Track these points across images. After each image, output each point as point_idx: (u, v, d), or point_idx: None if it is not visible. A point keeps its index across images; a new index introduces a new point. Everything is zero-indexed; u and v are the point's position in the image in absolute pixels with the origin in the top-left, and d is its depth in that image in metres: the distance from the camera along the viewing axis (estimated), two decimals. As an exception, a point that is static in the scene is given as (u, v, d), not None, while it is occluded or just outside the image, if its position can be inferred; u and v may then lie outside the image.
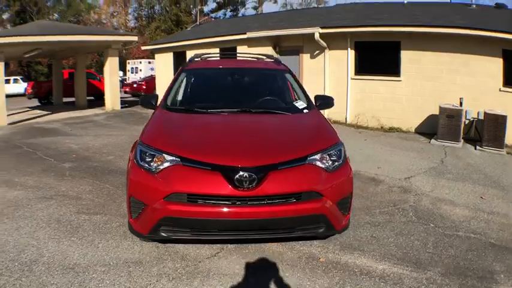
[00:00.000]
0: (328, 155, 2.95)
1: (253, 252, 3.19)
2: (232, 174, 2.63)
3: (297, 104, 3.85)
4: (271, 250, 3.23)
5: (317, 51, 10.25)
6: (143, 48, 18.65)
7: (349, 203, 3.04)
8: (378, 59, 9.52)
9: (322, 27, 9.72)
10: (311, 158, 2.83)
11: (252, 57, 5.03)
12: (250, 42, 11.13)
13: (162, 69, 15.64)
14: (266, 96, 4.02)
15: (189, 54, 12.54)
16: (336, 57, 10.02)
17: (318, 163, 2.83)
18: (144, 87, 20.44)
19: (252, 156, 2.78)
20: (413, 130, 9.06)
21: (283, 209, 2.66)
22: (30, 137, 8.38)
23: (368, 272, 2.89)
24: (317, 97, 4.13)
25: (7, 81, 26.39)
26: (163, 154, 2.80)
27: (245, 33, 10.97)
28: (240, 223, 2.70)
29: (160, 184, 2.69)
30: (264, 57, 5.12)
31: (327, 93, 9.65)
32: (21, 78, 26.61)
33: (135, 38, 14.88)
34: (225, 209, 2.63)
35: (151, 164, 2.80)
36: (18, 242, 3.29)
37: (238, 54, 7.07)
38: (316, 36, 9.64)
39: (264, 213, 2.65)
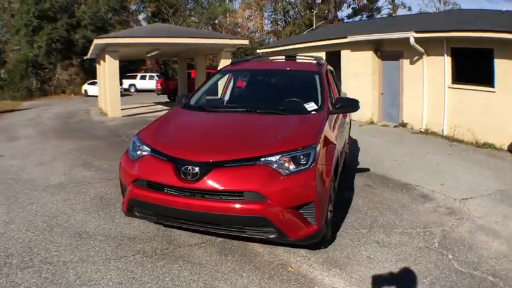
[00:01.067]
0: (291, 157, 2.73)
1: (234, 248, 3.21)
2: (179, 166, 2.73)
3: (307, 106, 3.63)
4: (251, 250, 3.18)
5: (416, 57, 9.33)
6: (258, 51, 18.92)
7: (313, 212, 2.72)
8: (474, 67, 8.16)
9: (417, 32, 8.86)
10: (266, 159, 2.69)
11: (300, 59, 4.97)
12: (353, 46, 10.83)
13: None
14: (286, 97, 3.92)
15: (299, 58, 12.89)
16: (433, 64, 8.98)
17: (274, 165, 2.68)
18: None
19: (203, 152, 2.84)
20: (505, 147, 7.47)
21: (222, 206, 2.63)
22: (134, 128, 9.52)
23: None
24: (339, 99, 3.90)
25: (143, 78, 31.32)
26: (144, 145, 3.06)
27: (346, 37, 10.74)
28: (188, 214, 2.74)
29: (132, 170, 2.97)
30: (312, 59, 4.99)
31: (425, 103, 9.05)
32: (157, 75, 30.90)
33: (246, 42, 15.81)
34: (173, 198, 2.74)
35: (134, 153, 3.10)
36: (58, 210, 4.00)
37: (297, 56, 6.95)
38: (412, 41, 8.85)
39: (206, 207, 2.65)
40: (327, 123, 3.44)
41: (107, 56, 12.72)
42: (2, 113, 16.54)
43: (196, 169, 2.67)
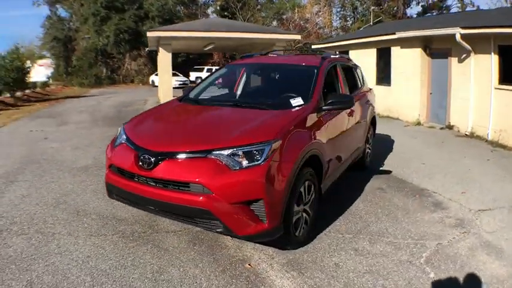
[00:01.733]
0: (244, 152, 2.61)
1: (205, 239, 3.21)
2: (140, 154, 2.80)
3: (293, 101, 3.41)
4: (220, 243, 3.16)
5: (463, 55, 8.30)
6: (313, 47, 18.43)
7: (263, 209, 2.57)
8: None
9: (463, 28, 7.84)
10: (217, 152, 2.61)
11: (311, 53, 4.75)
12: (402, 43, 10.03)
13: None
14: (281, 92, 3.80)
15: (351, 53, 12.45)
16: (480, 63, 7.95)
17: (224, 159, 2.59)
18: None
19: (162, 142, 2.88)
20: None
21: (172, 195, 2.63)
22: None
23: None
24: (330, 96, 3.59)
25: (209, 71, 31.91)
26: (124, 134, 3.19)
27: (394, 34, 10.00)
28: (147, 201, 2.79)
29: (109, 156, 3.13)
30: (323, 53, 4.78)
31: (471, 104, 8.12)
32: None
33: (298, 37, 15.58)
34: (134, 185, 2.82)
35: (117, 140, 3.22)
36: (71, 189, 4.38)
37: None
38: (457, 37, 7.90)
39: (159, 196, 2.69)
40: (310, 119, 3.24)
41: (160, 49, 13.31)
42: (65, 98, 18.08)
43: (152, 158, 2.72)
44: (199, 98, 4.07)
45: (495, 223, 3.67)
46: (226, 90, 4.79)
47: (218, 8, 35.45)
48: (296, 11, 37.07)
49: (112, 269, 2.73)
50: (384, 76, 11.19)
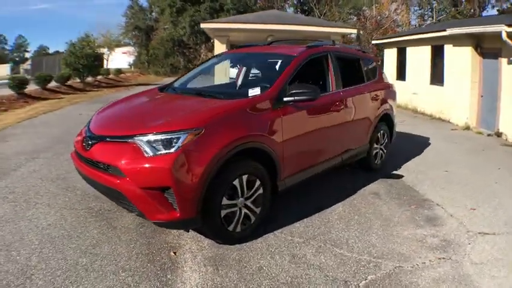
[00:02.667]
0: (162, 139, 2.52)
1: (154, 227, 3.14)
2: (85, 136, 2.95)
3: (251, 91, 3.17)
4: (167, 230, 3.08)
5: None
6: (373, 42, 17.33)
7: (172, 196, 2.47)
8: None
9: (508, 25, 6.65)
10: (137, 138, 2.56)
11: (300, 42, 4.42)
12: (454, 40, 8.86)
13: (389, 63, 14.15)
14: (252, 81, 3.71)
15: (408, 50, 11.73)
16: None
17: (142, 144, 2.52)
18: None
19: (103, 127, 2.94)
20: None
21: (99, 175, 2.70)
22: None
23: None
24: (291, 87, 3.24)
25: None
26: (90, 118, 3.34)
27: (445, 30, 8.86)
28: (89, 180, 2.88)
29: (75, 138, 3.27)
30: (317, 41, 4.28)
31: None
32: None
33: (353, 31, 14.67)
34: (82, 165, 2.93)
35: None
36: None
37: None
38: (503, 35, 6.73)
39: (93, 175, 2.77)
40: (260, 110, 3.00)
41: (215, 40, 13.44)
42: (136, 85, 18.66)
43: (90, 141, 2.82)
44: (177, 86, 3.99)
45: (490, 252, 2.90)
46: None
47: (295, 2, 34.19)
48: (373, 7, 34.51)
49: (60, 237, 2.89)
50: (437, 75, 9.93)
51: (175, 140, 2.54)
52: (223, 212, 2.75)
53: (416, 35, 10.98)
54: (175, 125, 2.62)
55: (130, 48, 36.06)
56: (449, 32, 8.40)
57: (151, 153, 2.50)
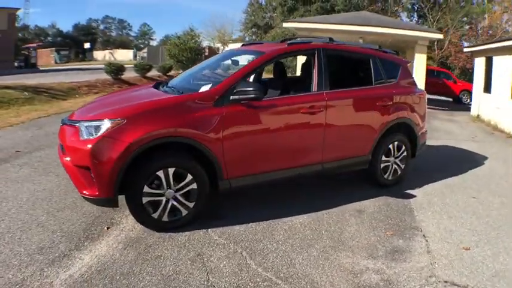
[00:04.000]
0: (95, 126, 2.76)
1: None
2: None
3: (203, 87, 3.13)
4: (122, 212, 3.18)
5: None
6: (464, 50, 15.46)
7: (92, 175, 2.63)
8: None
9: None
10: (80, 123, 2.83)
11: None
12: None
13: (477, 73, 12.27)
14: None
15: (494, 59, 10.05)
16: None
17: (82, 128, 2.78)
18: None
19: (76, 115, 3.17)
20: None
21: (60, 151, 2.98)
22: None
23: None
24: (239, 85, 3.04)
25: None
26: None
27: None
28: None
29: None
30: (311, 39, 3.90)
31: None
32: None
33: (440, 36, 12.89)
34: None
35: None
36: None
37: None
38: None
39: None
40: (198, 106, 2.90)
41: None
42: None
43: (61, 123, 3.14)
44: (171, 84, 3.87)
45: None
46: None
47: (409, 6, 31.49)
48: (485, 16, 31.11)
49: (42, 199, 3.37)
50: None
51: (100, 128, 2.69)
52: (144, 199, 2.76)
53: (501, 43, 9.11)
54: (104, 115, 2.78)
55: (245, 45, 37.46)
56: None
57: (83, 137, 2.71)
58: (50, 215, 3.09)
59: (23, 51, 25.43)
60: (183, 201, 2.92)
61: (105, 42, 60.34)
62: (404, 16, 31.66)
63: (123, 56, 43.05)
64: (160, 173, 2.79)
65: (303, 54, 3.56)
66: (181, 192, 2.91)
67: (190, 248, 2.72)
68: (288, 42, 3.63)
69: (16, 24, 28.06)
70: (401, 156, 4.18)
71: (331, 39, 3.85)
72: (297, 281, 2.38)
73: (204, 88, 3.09)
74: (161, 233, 2.89)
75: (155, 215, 2.86)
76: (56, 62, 40.00)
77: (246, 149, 3.10)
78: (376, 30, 11.96)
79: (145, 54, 35.49)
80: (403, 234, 3.09)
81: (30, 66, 23.59)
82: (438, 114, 11.51)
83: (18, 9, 26.15)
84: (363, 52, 4.03)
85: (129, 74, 14.83)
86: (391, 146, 4.06)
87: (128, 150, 2.64)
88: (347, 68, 3.78)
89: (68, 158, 2.80)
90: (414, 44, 12.25)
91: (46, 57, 40.55)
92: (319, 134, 3.47)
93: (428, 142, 6.88)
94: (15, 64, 22.66)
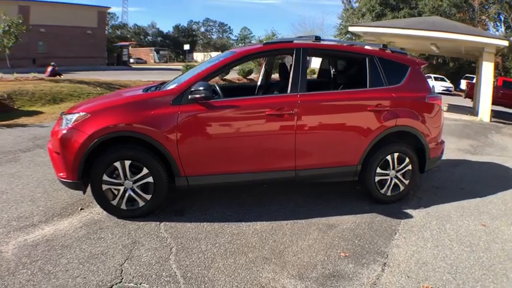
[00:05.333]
0: (66, 118, 3.08)
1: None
2: None
3: (169, 86, 3.27)
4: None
5: None
6: None
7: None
8: None
9: None
10: (65, 115, 3.15)
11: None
12: None
13: None
14: None
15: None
16: None
17: (63, 120, 3.09)
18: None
19: (75, 108, 3.37)
20: None
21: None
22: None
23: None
24: (195, 85, 3.05)
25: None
26: None
27: None
28: None
29: None
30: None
31: None
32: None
33: (505, 43, 10.68)
34: None
35: None
36: None
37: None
38: None
39: None
40: (156, 104, 3.00)
41: None
42: None
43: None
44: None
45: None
46: None
47: (495, 15, 28.19)
48: None
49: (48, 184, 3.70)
50: None
51: (71, 120, 3.02)
52: (104, 186, 3.00)
53: None
54: (78, 110, 3.11)
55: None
56: None
57: (60, 127, 3.08)
58: (45, 193, 3.59)
59: (115, 50, 27.62)
60: (140, 192, 3.08)
61: (205, 44, 62.63)
62: (490, 26, 28.64)
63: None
64: (118, 164, 3.00)
65: (282, 54, 3.35)
66: (138, 184, 3.05)
67: (131, 236, 2.86)
68: (265, 42, 3.47)
69: (113, 22, 30.44)
70: (405, 170, 3.59)
71: (317, 37, 3.53)
72: (197, 283, 2.30)
73: (170, 87, 3.19)
74: (119, 220, 3.10)
75: (114, 202, 3.08)
76: (155, 61, 43.32)
77: (204, 148, 3.11)
78: (439, 36, 10.72)
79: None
80: (360, 258, 2.68)
81: (122, 64, 25.93)
82: (503, 128, 9.64)
83: (109, 7, 27.53)
84: (357, 52, 3.61)
85: (233, 75, 15.44)
86: (389, 158, 3.53)
87: (88, 141, 2.92)
88: (337, 69, 3.41)
89: (49, 145, 3.20)
90: (481, 50, 10.54)
91: (145, 56, 43.96)
92: (289, 138, 3.24)
93: (475, 157, 5.84)
94: (107, 61, 24.80)
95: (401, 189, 3.65)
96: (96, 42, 25.22)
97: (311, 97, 3.29)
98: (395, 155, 3.55)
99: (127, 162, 3.00)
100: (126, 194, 3.07)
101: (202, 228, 3.02)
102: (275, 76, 5.34)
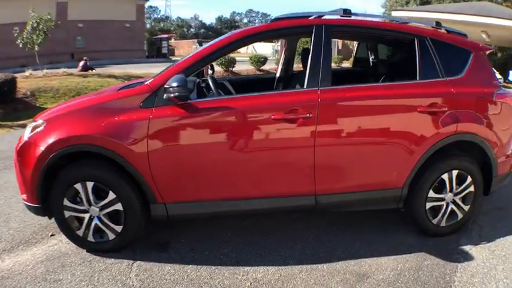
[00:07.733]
0: (29, 126, 2.47)
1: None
2: None
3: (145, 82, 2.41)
4: None
5: None
6: None
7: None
8: None
9: None
10: (30, 124, 2.51)
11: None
12: None
13: None
14: None
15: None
16: None
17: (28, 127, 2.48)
18: None
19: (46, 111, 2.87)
20: None
21: None
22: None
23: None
24: (170, 81, 2.17)
25: None
26: None
27: None
28: None
29: None
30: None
31: None
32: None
33: None
34: None
35: None
36: None
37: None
38: None
39: None
40: (126, 108, 2.21)
41: None
42: None
43: None
44: None
45: None
46: None
47: None
48: None
49: None
50: None
51: (30, 129, 2.39)
52: (66, 213, 2.35)
53: None
54: (40, 116, 2.46)
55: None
56: None
57: (23, 138, 2.43)
58: (23, 211, 2.94)
59: (156, 42, 27.39)
60: (108, 222, 2.37)
61: (249, 35, 64.94)
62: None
63: (264, 49, 43.67)
64: (78, 186, 2.27)
65: (296, 35, 2.39)
66: (105, 211, 2.31)
67: (93, 281, 2.23)
68: (274, 17, 2.50)
69: (155, 16, 30.43)
70: (465, 192, 2.52)
71: (346, 11, 2.49)
72: None
73: (145, 83, 2.35)
74: (88, 255, 2.47)
75: (79, 233, 2.44)
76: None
77: (186, 166, 2.27)
78: (492, 22, 8.90)
79: (278, 48, 36.45)
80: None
81: (161, 56, 25.81)
82: None
83: (147, 0, 27.10)
84: (402, 30, 2.53)
85: (244, 67, 14.49)
86: (445, 177, 2.49)
87: (43, 157, 2.25)
88: (374, 54, 2.38)
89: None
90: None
91: (188, 48, 44.80)
92: (306, 153, 2.31)
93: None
94: (146, 54, 24.52)
95: (459, 218, 2.62)
96: (134, 35, 25.22)
97: (336, 94, 2.32)
98: (454, 173, 2.49)
99: (89, 184, 2.28)
100: (93, 223, 2.38)
101: (184, 275, 2.28)
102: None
